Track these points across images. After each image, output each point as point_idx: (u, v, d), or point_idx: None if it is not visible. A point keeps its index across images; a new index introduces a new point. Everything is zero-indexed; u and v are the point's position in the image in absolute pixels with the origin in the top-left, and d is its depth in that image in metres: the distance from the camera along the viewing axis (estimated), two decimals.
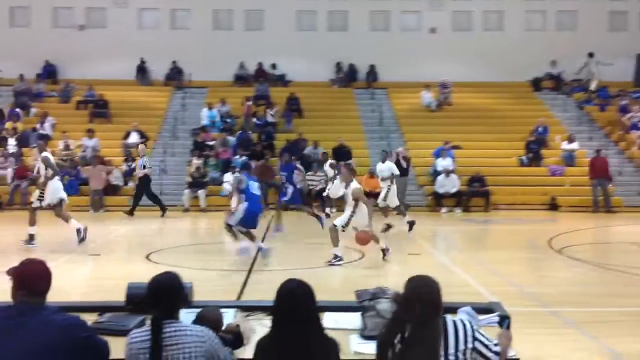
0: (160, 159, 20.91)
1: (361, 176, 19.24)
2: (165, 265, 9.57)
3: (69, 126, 21.64)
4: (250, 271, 9.89)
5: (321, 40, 26.35)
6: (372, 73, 26.57)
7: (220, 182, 19.36)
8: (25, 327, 3.34)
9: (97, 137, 20.89)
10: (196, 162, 19.72)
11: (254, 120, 22.83)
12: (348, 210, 10.61)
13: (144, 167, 17.63)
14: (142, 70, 25.87)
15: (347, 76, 26.52)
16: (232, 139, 21.37)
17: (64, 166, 19.06)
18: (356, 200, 10.50)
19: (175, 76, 25.72)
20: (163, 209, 17.44)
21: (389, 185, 14.49)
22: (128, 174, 19.58)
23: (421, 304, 3.34)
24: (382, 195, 14.70)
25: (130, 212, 17.14)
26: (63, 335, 3.36)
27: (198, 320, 3.77)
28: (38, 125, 21.55)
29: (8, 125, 21.51)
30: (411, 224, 14.23)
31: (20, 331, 3.33)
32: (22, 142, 20.48)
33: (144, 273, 9.32)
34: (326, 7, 26.90)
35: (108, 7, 26.16)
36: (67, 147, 20.26)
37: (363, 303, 4.41)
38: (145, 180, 17.58)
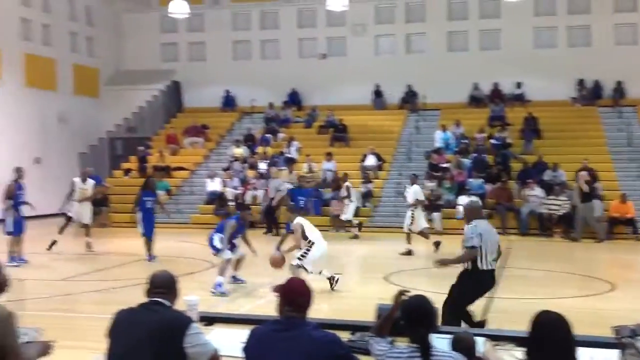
0: (395, 181, 21.38)
1: (610, 200, 18.00)
2: (403, 288, 9.71)
3: (311, 150, 23.00)
4: (491, 298, 9.68)
5: (561, 57, 25.17)
6: (618, 90, 24.74)
7: (454, 205, 19.24)
8: (289, 340, 3.63)
9: (336, 160, 21.93)
10: (430, 184, 19.83)
11: (490, 141, 22.39)
12: None
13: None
14: (377, 94, 26.72)
15: (590, 94, 24.99)
16: (466, 161, 21.18)
17: (308, 187, 20.30)
18: None
19: (409, 99, 26.19)
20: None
21: (413, 210, 14.57)
22: (366, 196, 20.29)
23: None
24: (406, 220, 14.64)
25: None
26: (322, 350, 3.59)
27: (454, 345, 3.79)
28: (285, 150, 23.20)
29: (260, 149, 23.47)
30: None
31: (285, 344, 3.63)
32: (272, 165, 22.17)
33: (383, 294, 9.59)
34: (566, 23, 25.68)
35: (347, 36, 27.46)
36: (310, 170, 21.54)
37: (622, 340, 4.13)
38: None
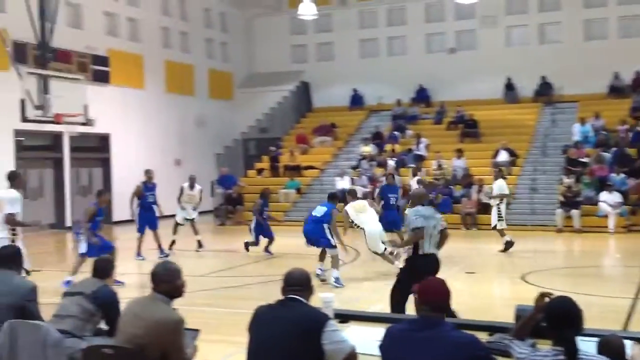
0: (530, 177, 20.63)
1: None
2: (542, 288, 9.36)
3: (441, 146, 22.65)
4: (636, 298, 9.13)
5: None
6: None
7: (595, 202, 18.28)
8: (427, 341, 3.60)
9: (466, 157, 21.46)
10: (568, 180, 18.96)
11: (633, 133, 21.07)
12: None
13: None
14: (509, 88, 25.89)
15: None
16: (607, 155, 20.05)
17: (437, 185, 20.03)
18: None
19: (544, 92, 25.16)
20: None
21: (498, 205, 14.30)
22: None
23: None
24: (493, 215, 14.21)
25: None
26: (461, 351, 3.54)
27: (602, 348, 3.61)
28: (414, 147, 23.02)
29: (387, 147, 23.43)
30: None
31: (423, 344, 3.60)
32: (400, 163, 22.08)
33: (520, 294, 9.29)
34: None
35: (477, 28, 26.81)
36: (439, 167, 21.23)
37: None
38: None
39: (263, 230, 14.63)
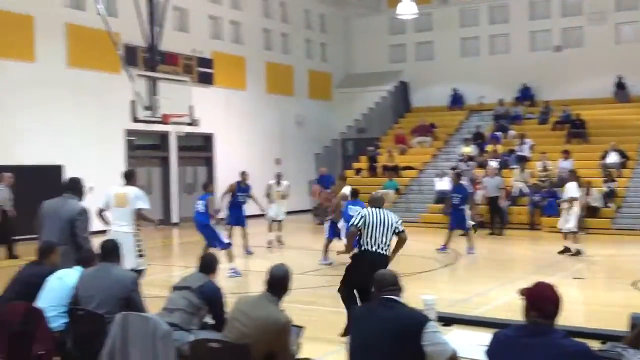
0: None
1: None
2: None
3: (546, 147, 21.89)
4: None
5: None
6: None
7: None
8: (537, 348, 3.46)
9: (573, 159, 20.64)
10: None
11: None
12: None
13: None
14: (620, 86, 24.70)
15: None
16: None
17: (543, 187, 19.38)
18: None
19: None
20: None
21: (568, 208, 13.78)
22: (608, 196, 18.84)
23: None
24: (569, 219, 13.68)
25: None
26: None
27: None
28: (517, 147, 22.37)
29: (489, 147, 22.89)
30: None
31: (532, 351, 3.47)
32: (503, 164, 21.51)
33: (632, 301, 8.85)
34: None
35: (584, 25, 25.76)
36: (544, 169, 20.52)
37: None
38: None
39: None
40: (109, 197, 8.60)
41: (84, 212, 7.09)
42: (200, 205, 12.02)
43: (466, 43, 27.95)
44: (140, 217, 8.49)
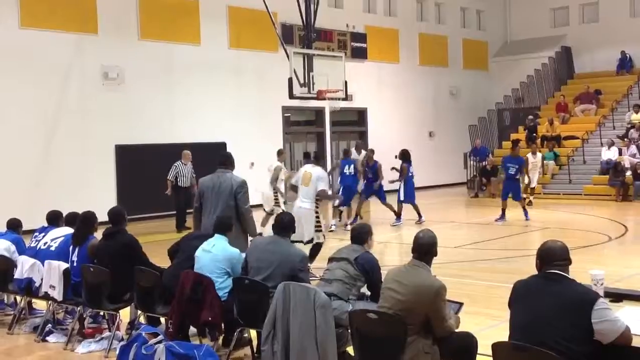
0: None
1: None
2: None
3: None
4: None
5: None
6: None
7: None
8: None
9: None
10: None
11: None
12: None
13: None
14: None
15: None
16: None
17: None
18: None
19: None
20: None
21: None
22: None
23: None
24: None
25: None
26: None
27: None
28: None
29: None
30: None
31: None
32: None
33: None
34: None
35: None
36: None
37: None
38: None
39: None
40: (298, 175, 9.73)
41: (244, 184, 7.26)
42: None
43: (636, 1, 25.85)
44: (321, 195, 9.44)
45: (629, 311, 4.70)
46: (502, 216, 14.73)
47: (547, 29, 27.57)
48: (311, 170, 9.53)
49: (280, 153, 14.29)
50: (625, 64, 25.55)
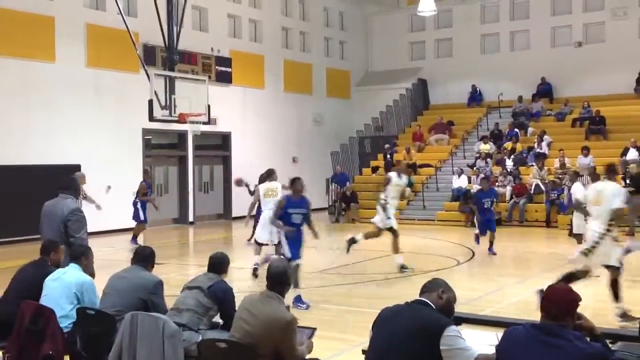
0: None
1: None
2: None
3: (565, 144, 21.71)
4: None
5: None
6: None
7: None
8: (550, 348, 3.41)
9: (593, 155, 20.42)
10: None
11: None
12: None
13: None
14: None
15: None
16: None
17: (560, 184, 19.20)
18: None
19: None
20: None
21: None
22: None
23: None
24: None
25: None
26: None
27: None
28: (535, 144, 22.18)
29: (507, 145, 22.72)
30: None
31: (546, 351, 3.42)
32: (519, 162, 21.36)
33: None
34: None
35: (606, 20, 25.44)
36: (562, 166, 20.35)
37: None
38: None
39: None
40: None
41: (76, 212, 6.86)
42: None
43: (486, 39, 27.74)
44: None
45: (467, 334, 4.91)
46: (490, 247, 14.20)
47: (405, 61, 28.91)
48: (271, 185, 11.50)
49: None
50: (475, 97, 27.25)
